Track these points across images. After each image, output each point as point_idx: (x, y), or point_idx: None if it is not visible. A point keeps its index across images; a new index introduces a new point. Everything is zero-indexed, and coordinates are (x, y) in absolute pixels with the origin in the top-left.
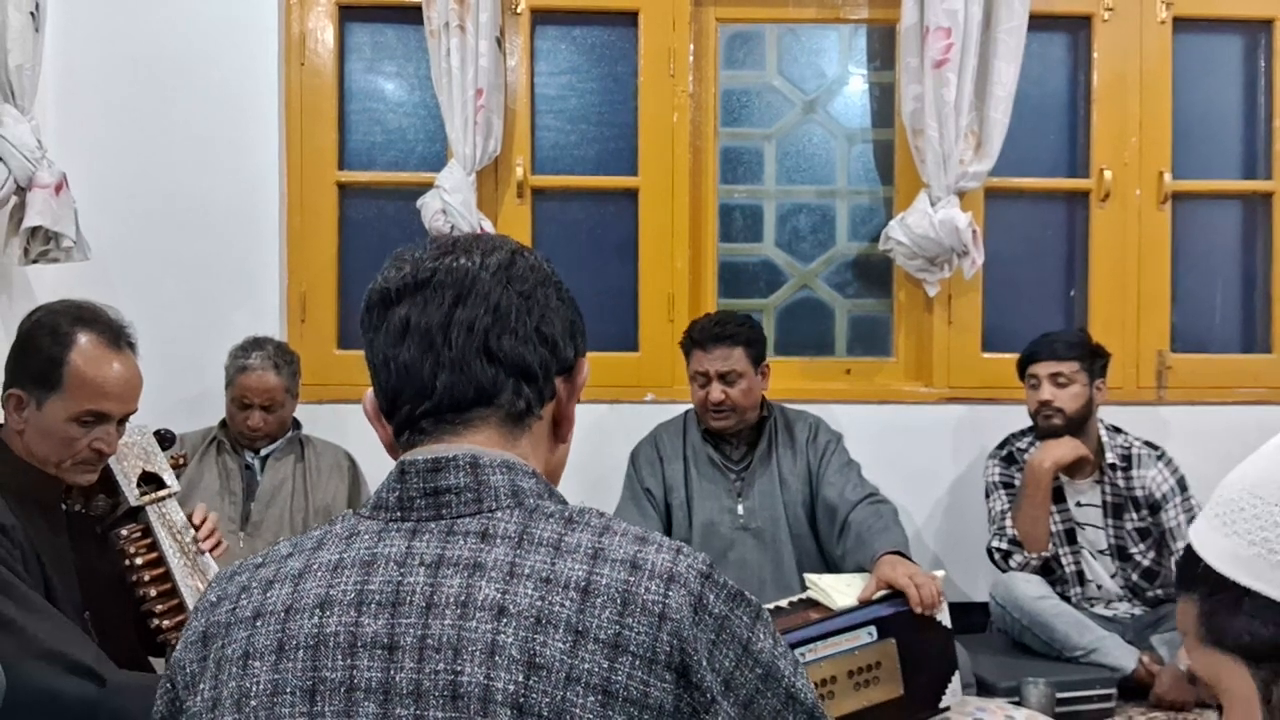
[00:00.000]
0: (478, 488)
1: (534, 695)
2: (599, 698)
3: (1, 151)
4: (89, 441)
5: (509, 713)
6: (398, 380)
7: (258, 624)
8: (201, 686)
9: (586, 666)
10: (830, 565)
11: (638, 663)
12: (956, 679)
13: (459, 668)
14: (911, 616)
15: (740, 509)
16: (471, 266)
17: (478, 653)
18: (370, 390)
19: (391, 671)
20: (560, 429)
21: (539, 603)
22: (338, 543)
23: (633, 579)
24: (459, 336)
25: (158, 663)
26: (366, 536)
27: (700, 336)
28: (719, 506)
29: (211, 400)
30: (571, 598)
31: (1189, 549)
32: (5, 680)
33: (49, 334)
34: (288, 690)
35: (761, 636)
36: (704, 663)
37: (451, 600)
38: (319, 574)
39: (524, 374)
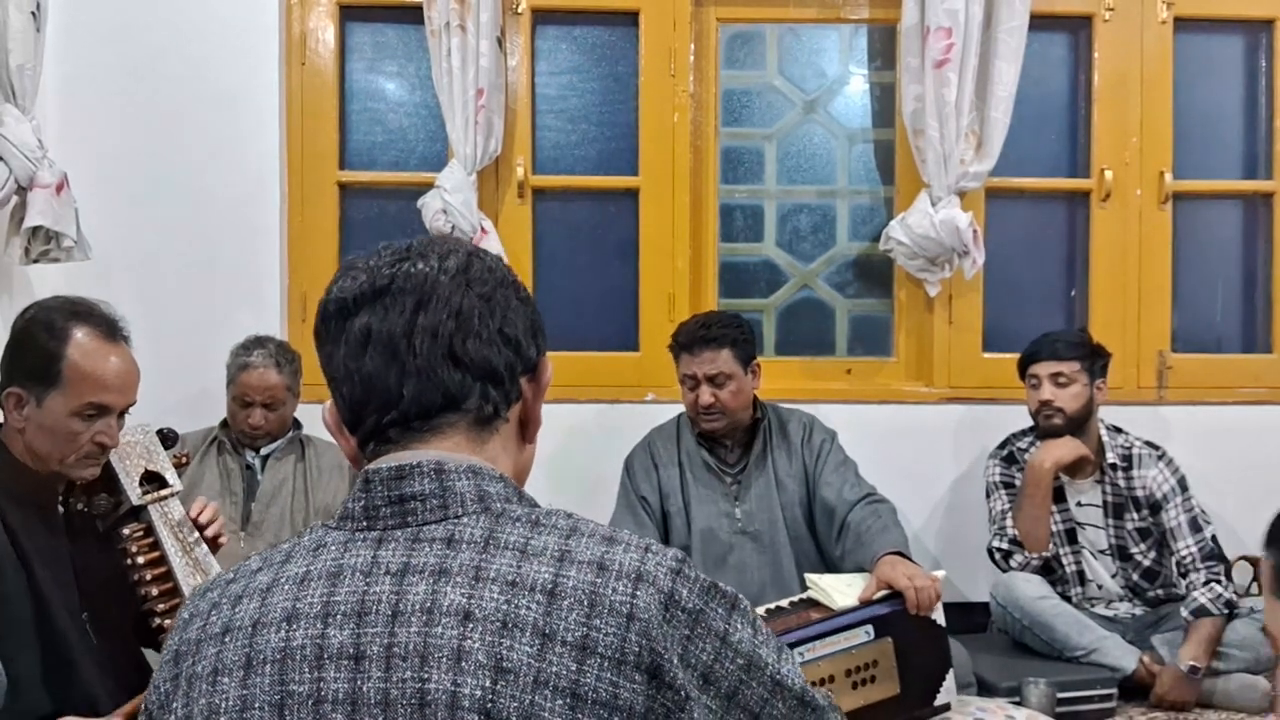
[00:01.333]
0: (443, 494)
1: (502, 700)
2: (568, 701)
3: (3, 151)
4: (91, 435)
5: (477, 718)
6: (362, 391)
7: (226, 640)
8: (174, 705)
9: (554, 669)
10: (829, 566)
11: (606, 664)
12: (951, 677)
13: (426, 675)
14: (907, 615)
15: (738, 513)
16: (430, 271)
17: (444, 659)
18: (330, 402)
19: (359, 682)
20: (527, 429)
21: (505, 606)
22: (305, 555)
23: (600, 580)
24: (423, 343)
25: (156, 660)
26: (333, 548)
27: (686, 340)
28: (716, 511)
29: (212, 400)
30: (538, 600)
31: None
32: (5, 680)
33: (45, 330)
34: (256, 705)
35: (739, 626)
36: (676, 661)
37: (417, 607)
38: (286, 587)
39: (490, 377)
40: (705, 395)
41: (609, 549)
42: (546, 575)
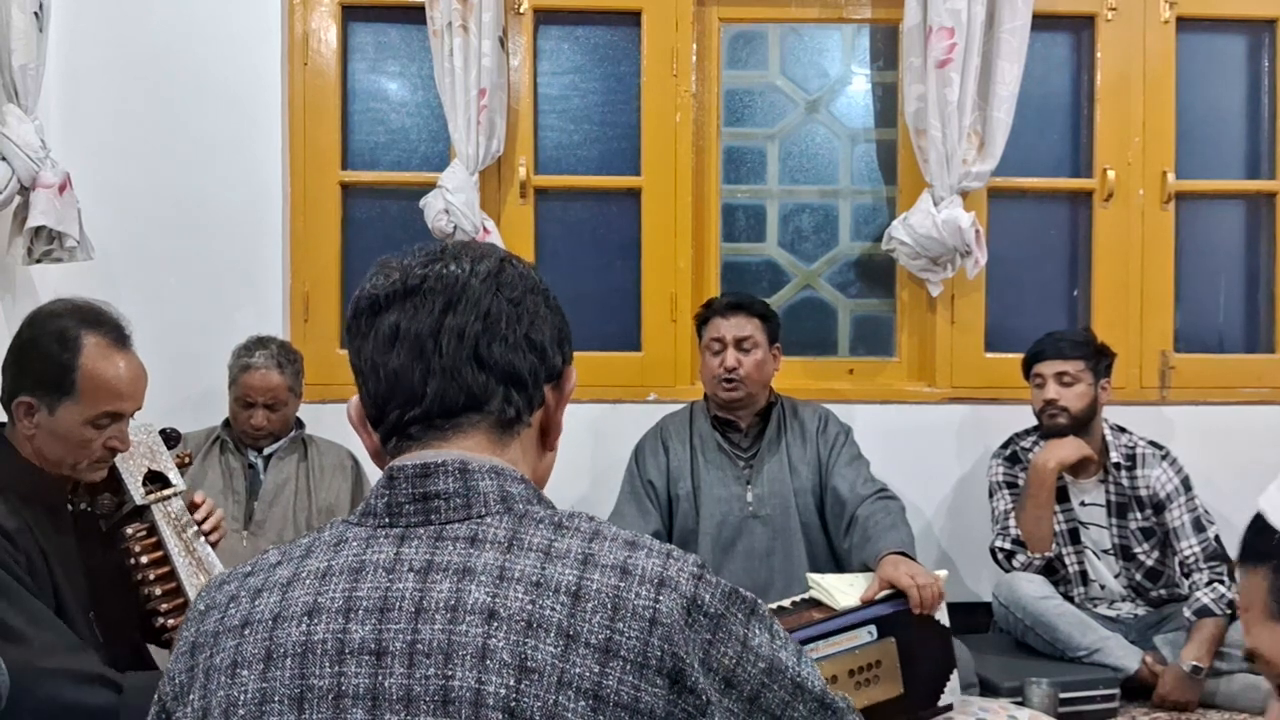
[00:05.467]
0: (467, 493)
1: (525, 699)
2: (590, 702)
3: (5, 151)
4: (103, 441)
5: (500, 717)
6: (387, 387)
7: (245, 633)
8: (190, 697)
9: (578, 671)
10: (838, 556)
11: (629, 667)
12: (955, 677)
13: (450, 672)
14: (910, 615)
15: (749, 496)
16: (461, 274)
17: (468, 657)
18: (356, 397)
19: (380, 677)
20: (548, 437)
21: (529, 607)
22: (326, 550)
23: (623, 584)
24: (450, 343)
25: (162, 656)
26: (355, 544)
27: (719, 305)
28: (728, 494)
29: (215, 399)
30: (562, 602)
31: (1260, 520)
32: (8, 678)
33: (56, 339)
34: (275, 699)
35: (758, 631)
36: (698, 665)
37: (441, 605)
38: (307, 582)
39: (514, 381)
40: (730, 358)
41: (631, 553)
42: (571, 577)
